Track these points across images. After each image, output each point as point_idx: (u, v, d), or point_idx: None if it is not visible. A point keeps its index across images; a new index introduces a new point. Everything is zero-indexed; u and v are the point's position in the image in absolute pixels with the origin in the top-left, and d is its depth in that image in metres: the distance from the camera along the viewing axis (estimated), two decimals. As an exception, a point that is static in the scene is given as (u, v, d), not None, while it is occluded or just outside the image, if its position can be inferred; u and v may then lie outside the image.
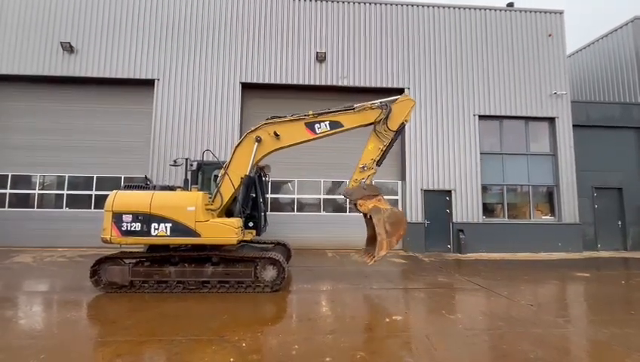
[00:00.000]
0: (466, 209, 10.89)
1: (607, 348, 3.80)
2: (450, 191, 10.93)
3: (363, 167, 6.19)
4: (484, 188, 11.30)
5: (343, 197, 6.26)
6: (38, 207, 10.44)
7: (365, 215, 6.25)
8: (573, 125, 11.59)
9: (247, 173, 5.85)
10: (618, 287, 6.79)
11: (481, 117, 11.40)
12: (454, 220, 10.84)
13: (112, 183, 10.35)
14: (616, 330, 4.27)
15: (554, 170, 11.57)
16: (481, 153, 11.24)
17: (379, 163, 6.25)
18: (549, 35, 11.89)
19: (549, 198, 11.66)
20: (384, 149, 6.17)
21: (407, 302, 5.71)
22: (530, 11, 12.03)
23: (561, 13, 12.11)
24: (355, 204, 6.12)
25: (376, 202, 6.08)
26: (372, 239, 6.32)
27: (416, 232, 10.66)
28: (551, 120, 11.72)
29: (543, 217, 11.53)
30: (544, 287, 6.74)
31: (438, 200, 10.96)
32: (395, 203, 11.34)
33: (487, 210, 11.38)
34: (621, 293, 6.39)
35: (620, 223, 11.84)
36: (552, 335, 4.10)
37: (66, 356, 3.42)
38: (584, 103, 12.33)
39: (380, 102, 6.12)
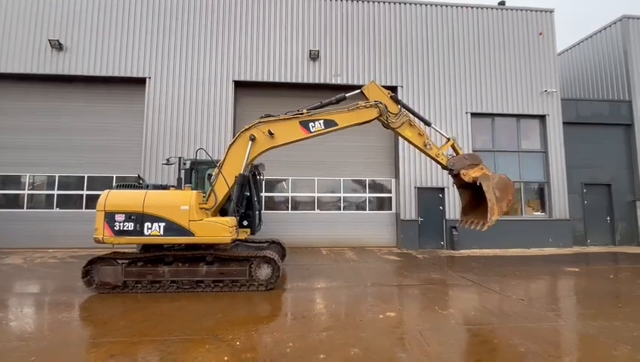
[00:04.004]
0: (459, 206, 10.96)
1: (595, 340, 3.89)
2: (443, 189, 11.02)
3: (426, 146, 6.32)
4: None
5: (448, 170, 6.39)
6: (28, 208, 10.27)
7: (463, 185, 6.37)
8: (564, 122, 11.77)
9: (242, 172, 5.83)
10: (607, 281, 6.93)
11: (473, 114, 11.51)
12: (447, 217, 10.94)
13: (104, 183, 10.23)
14: (604, 323, 4.37)
15: (545, 167, 11.75)
16: (473, 150, 11.33)
17: (427, 123, 6.46)
18: (540, 34, 12.04)
19: (540, 195, 11.83)
20: (413, 121, 6.33)
21: (400, 298, 5.76)
22: (521, 10, 12.15)
23: (551, 11, 12.26)
24: (458, 175, 6.17)
25: (479, 171, 6.13)
26: (469, 209, 6.47)
27: (410, 229, 10.74)
28: (542, 117, 11.88)
29: (534, 213, 11.70)
30: (535, 282, 6.85)
31: (431, 198, 11.05)
32: (389, 200, 11.43)
33: (480, 206, 11.49)
34: (609, 287, 6.52)
35: (608, 219, 12.08)
36: (542, 329, 4.18)
37: (58, 358, 3.39)
38: (574, 101, 12.50)
39: (375, 102, 6.15)
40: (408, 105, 6.51)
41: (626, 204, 12.11)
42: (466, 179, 6.09)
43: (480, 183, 5.94)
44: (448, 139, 6.46)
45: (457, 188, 6.71)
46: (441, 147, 6.44)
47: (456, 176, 6.27)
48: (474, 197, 6.40)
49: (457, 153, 6.45)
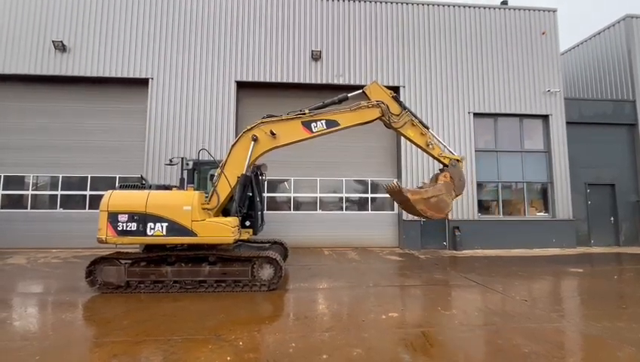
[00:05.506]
0: (462, 206, 10.96)
1: (599, 341, 3.86)
2: (445, 189, 10.97)
3: (428, 145, 6.34)
4: (480, 186, 11.39)
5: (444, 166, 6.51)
6: (31, 208, 10.33)
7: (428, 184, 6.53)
8: (567, 122, 11.71)
9: (244, 172, 5.84)
10: (611, 282, 6.89)
11: (475, 114, 11.47)
12: (450, 217, 10.90)
13: (107, 183, 10.27)
14: (608, 324, 4.34)
15: (548, 167, 11.69)
16: (476, 150, 11.32)
17: (426, 128, 6.45)
18: (543, 33, 11.99)
19: (543, 195, 11.78)
20: (415, 121, 6.34)
21: (403, 298, 5.75)
22: (524, 9, 12.11)
23: (554, 11, 12.21)
24: (442, 171, 6.33)
25: (451, 186, 6.21)
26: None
27: (412, 230, 10.71)
28: (545, 117, 11.83)
29: (538, 214, 11.64)
30: (538, 283, 6.82)
31: (433, 198, 10.99)
32: (391, 200, 11.39)
33: (483, 207, 11.47)
34: (613, 288, 6.48)
35: (612, 219, 11.99)
36: (546, 329, 4.15)
37: (61, 357, 3.40)
38: (577, 100, 12.44)
39: (377, 101, 6.14)
40: (409, 108, 6.49)
41: (630, 204, 12.02)
42: (440, 179, 6.23)
43: (439, 183, 6.12)
44: (455, 155, 6.54)
45: (418, 187, 6.84)
46: (449, 154, 6.45)
47: (437, 175, 6.41)
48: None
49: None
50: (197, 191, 5.74)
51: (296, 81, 10.98)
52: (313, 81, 11.03)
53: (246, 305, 5.12)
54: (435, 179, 6.44)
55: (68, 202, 10.46)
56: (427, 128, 6.48)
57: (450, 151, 6.59)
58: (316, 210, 11.14)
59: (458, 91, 11.45)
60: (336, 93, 6.72)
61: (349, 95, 6.32)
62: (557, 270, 7.96)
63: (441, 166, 6.53)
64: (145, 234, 5.42)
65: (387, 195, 11.30)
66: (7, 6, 10.53)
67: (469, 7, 11.88)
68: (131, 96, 10.79)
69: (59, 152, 10.49)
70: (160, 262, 5.77)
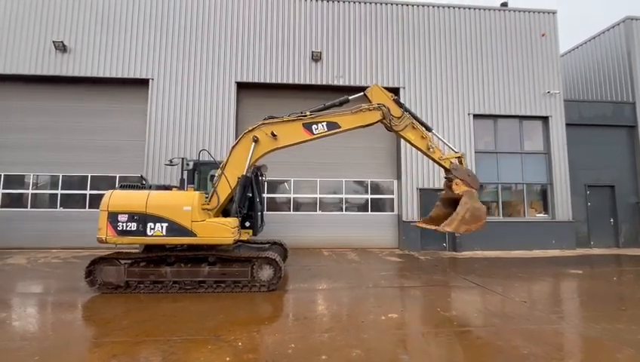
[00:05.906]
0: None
1: (599, 343, 3.87)
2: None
3: (429, 149, 6.22)
4: (479, 187, 11.36)
5: (446, 171, 6.23)
6: (31, 207, 10.33)
7: (447, 200, 6.22)
8: (566, 124, 11.72)
9: (244, 173, 5.85)
10: (610, 284, 6.90)
11: (475, 116, 11.48)
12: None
13: (107, 183, 10.28)
14: (607, 326, 4.34)
15: (547, 169, 11.69)
16: (475, 152, 11.33)
17: (428, 129, 6.35)
18: (543, 35, 12.01)
19: (543, 196, 11.78)
20: (416, 124, 6.25)
21: (402, 299, 5.75)
22: (524, 11, 12.13)
23: (554, 13, 12.24)
24: (451, 180, 6.03)
25: (470, 190, 5.97)
26: (431, 220, 6.37)
27: (412, 231, 10.69)
28: (544, 119, 11.84)
29: (537, 215, 11.65)
30: (538, 284, 6.82)
31: (433, 199, 10.84)
32: (390, 202, 11.41)
33: (482, 208, 11.44)
34: (613, 289, 6.49)
35: (612, 221, 12.00)
36: (545, 331, 4.16)
37: (61, 358, 3.40)
38: (577, 102, 12.45)
39: (379, 104, 6.14)
40: (411, 110, 6.48)
41: (629, 206, 12.03)
42: (456, 189, 5.93)
43: (462, 195, 5.81)
44: (457, 152, 6.41)
45: (440, 199, 6.54)
46: (449, 155, 6.37)
47: (449, 184, 6.16)
48: (445, 217, 6.13)
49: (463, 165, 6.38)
50: (197, 192, 5.74)
51: (296, 82, 10.99)
52: (314, 82, 11.04)
53: (245, 305, 5.12)
54: (448, 187, 6.21)
55: (68, 201, 10.46)
56: (430, 130, 6.44)
57: (451, 148, 6.49)
58: (316, 210, 11.15)
59: (458, 92, 11.46)
60: (337, 94, 6.73)
61: (350, 97, 6.31)
62: (556, 271, 7.97)
63: (444, 171, 6.45)
64: (145, 235, 5.42)
65: (387, 196, 11.45)
66: (8, 6, 10.55)
67: (469, 8, 11.90)
68: (131, 96, 10.80)
69: (59, 152, 10.49)
70: (159, 262, 5.77)
